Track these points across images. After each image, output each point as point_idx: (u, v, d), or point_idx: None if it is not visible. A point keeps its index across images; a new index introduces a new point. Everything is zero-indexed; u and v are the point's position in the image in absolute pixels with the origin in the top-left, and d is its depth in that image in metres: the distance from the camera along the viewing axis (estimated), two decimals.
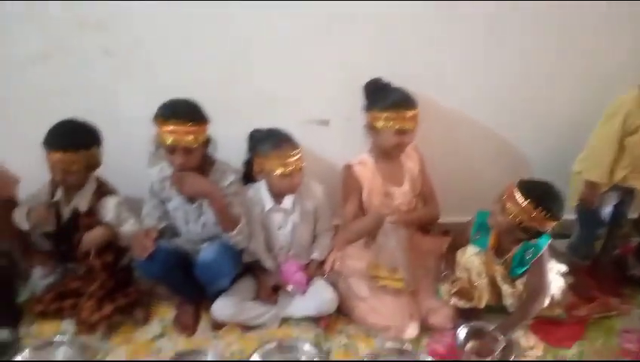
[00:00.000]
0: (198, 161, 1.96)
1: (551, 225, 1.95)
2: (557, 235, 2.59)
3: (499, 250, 2.09)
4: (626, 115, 2.01)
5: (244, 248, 2.09)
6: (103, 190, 2.16)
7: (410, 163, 2.28)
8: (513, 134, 2.48)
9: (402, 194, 2.25)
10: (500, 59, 2.29)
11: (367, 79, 2.17)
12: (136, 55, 2.17)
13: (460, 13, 2.17)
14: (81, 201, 2.11)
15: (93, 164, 2.10)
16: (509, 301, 2.08)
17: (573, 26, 2.23)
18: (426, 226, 2.40)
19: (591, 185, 2.15)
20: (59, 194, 2.12)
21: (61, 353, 2.00)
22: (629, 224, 2.54)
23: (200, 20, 2.12)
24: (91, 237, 2.06)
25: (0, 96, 2.21)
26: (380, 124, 2.09)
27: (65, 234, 2.14)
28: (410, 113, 2.07)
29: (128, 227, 2.13)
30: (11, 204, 2.18)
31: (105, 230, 2.09)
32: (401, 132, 2.09)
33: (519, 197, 1.92)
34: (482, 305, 2.07)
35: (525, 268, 2.04)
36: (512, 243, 2.06)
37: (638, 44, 2.26)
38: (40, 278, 2.25)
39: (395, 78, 2.18)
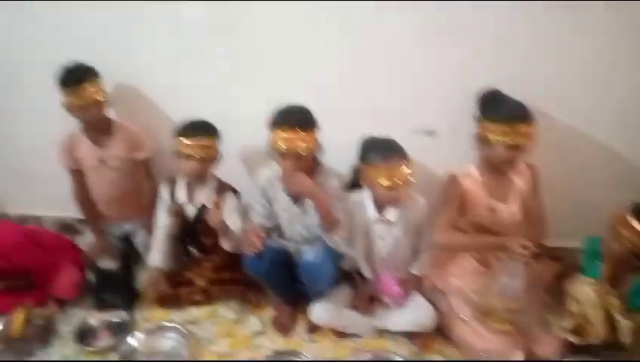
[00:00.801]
0: (307, 166, 2.01)
1: None
2: None
3: (614, 280, 1.93)
4: None
5: (343, 254, 2.11)
6: (223, 187, 2.31)
7: (520, 180, 2.14)
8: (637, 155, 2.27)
9: (509, 213, 2.12)
10: (625, 71, 2.10)
11: (478, 90, 2.08)
12: (257, 61, 2.26)
13: (585, 24, 2.03)
14: (205, 197, 2.27)
15: (216, 155, 2.25)
16: (626, 337, 1.89)
17: None
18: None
19: None
20: (183, 195, 2.29)
21: (169, 338, 2.15)
22: None
23: (315, 31, 2.17)
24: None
25: (130, 95, 2.41)
26: (491, 136, 1.98)
27: (191, 231, 2.33)
28: (525, 128, 1.93)
29: (236, 227, 2.24)
30: (146, 165, 2.49)
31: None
32: (513, 147, 1.95)
33: (635, 222, 1.76)
34: (598, 341, 1.91)
35: None
36: (628, 273, 1.89)
37: None
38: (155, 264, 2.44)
39: (510, 90, 2.06)
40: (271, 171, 2.17)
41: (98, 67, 2.27)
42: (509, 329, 1.95)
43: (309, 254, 2.04)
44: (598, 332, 1.90)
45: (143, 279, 2.48)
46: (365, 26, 2.13)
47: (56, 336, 2.18)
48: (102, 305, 2.30)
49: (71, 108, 2.27)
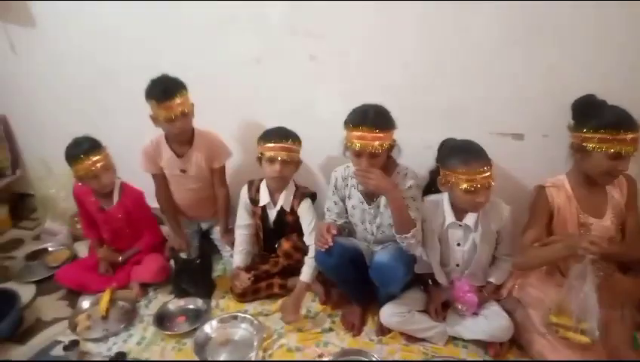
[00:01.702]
0: (381, 165, 1.99)
1: None
2: None
3: None
4: None
5: (418, 257, 2.07)
6: (301, 191, 2.37)
7: (616, 193, 1.98)
8: None
9: (602, 228, 1.96)
10: None
11: (572, 95, 1.94)
12: (336, 62, 2.28)
13: None
14: (286, 202, 2.35)
15: (298, 159, 2.30)
16: None
17: None
18: (628, 264, 2.09)
19: None
20: (265, 197, 2.37)
21: (241, 328, 2.22)
22: None
23: (398, 31, 2.15)
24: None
25: (216, 94, 2.48)
26: (591, 145, 1.83)
27: (271, 232, 2.43)
28: (629, 135, 1.78)
29: (309, 229, 2.31)
30: (222, 172, 2.59)
31: None
32: (616, 156, 1.81)
33: None
34: None
35: None
36: None
37: None
38: (229, 257, 2.55)
39: (606, 95, 1.92)
40: (345, 169, 2.19)
41: (185, 67, 2.35)
42: (587, 342, 1.80)
43: (382, 255, 2.01)
44: None
45: (218, 270, 2.60)
46: (449, 25, 2.08)
47: (138, 319, 2.31)
48: (181, 293, 2.41)
49: (159, 121, 2.33)
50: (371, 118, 1.91)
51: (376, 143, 1.90)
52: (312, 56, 2.29)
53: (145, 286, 2.48)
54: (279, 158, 2.20)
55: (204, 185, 2.57)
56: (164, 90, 2.26)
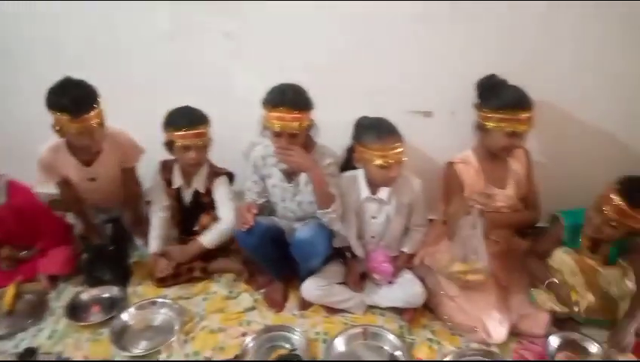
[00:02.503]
0: (300, 144, 2.03)
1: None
2: None
3: (593, 249, 2.02)
4: None
5: (336, 231, 2.13)
6: (214, 171, 2.35)
7: (516, 165, 2.19)
8: (630, 139, 2.31)
9: (505, 197, 2.17)
10: (613, 57, 2.15)
11: (476, 75, 2.10)
12: (253, 40, 2.27)
13: (575, 12, 2.06)
14: (200, 183, 2.33)
15: (209, 141, 2.27)
16: (611, 285, 1.98)
17: None
18: (524, 229, 2.31)
19: None
20: (178, 180, 2.32)
21: (161, 313, 2.17)
22: None
23: (312, 13, 2.18)
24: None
25: (127, 71, 2.40)
26: (491, 124, 2.01)
27: (188, 214, 2.39)
28: (524, 115, 1.97)
29: (226, 211, 2.30)
30: (134, 172, 2.46)
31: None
32: (513, 134, 2.00)
33: (616, 199, 1.84)
34: (582, 309, 1.97)
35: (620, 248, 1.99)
36: (609, 243, 1.99)
37: None
38: (144, 244, 2.47)
39: (509, 77, 2.09)
40: (264, 148, 2.20)
41: (93, 43, 2.24)
42: (482, 280, 2.00)
43: (302, 231, 2.06)
44: (580, 300, 1.96)
45: (134, 256, 2.52)
46: (368, 7, 2.13)
47: (48, 312, 2.19)
48: (94, 282, 2.31)
49: (64, 134, 2.11)
50: (290, 98, 1.94)
51: (295, 124, 1.93)
52: (227, 34, 2.26)
53: (54, 278, 2.34)
54: (192, 145, 2.17)
55: (115, 186, 2.44)
56: (77, 103, 2.02)
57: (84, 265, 2.35)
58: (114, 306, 2.20)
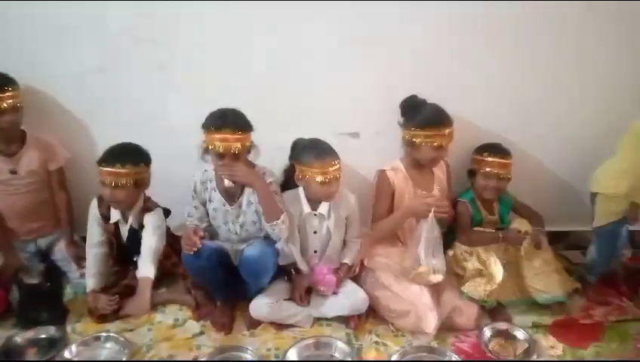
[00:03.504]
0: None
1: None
2: (572, 246, 2.77)
3: (490, 212, 2.48)
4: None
5: (280, 249, 2.22)
6: (147, 205, 2.33)
7: (439, 172, 2.43)
8: (537, 149, 2.63)
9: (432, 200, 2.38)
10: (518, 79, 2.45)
11: (398, 96, 2.31)
12: (186, 70, 2.33)
13: (489, 38, 2.35)
14: (134, 219, 2.31)
15: (141, 181, 2.25)
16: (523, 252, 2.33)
17: (588, 40, 2.38)
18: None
19: (636, 206, 2.28)
20: (116, 215, 2.29)
21: (107, 348, 2.11)
22: None
23: (244, 39, 2.28)
24: None
25: (57, 106, 2.37)
26: (419, 140, 2.22)
27: (126, 249, 2.36)
28: (448, 130, 2.22)
29: (149, 232, 2.28)
30: (61, 174, 2.44)
31: None
32: (439, 148, 2.23)
33: (491, 158, 2.34)
34: (498, 279, 2.24)
35: (509, 207, 2.50)
36: (494, 201, 2.47)
37: None
38: (79, 277, 2.40)
39: (425, 94, 2.32)
40: (203, 174, 2.25)
41: (18, 78, 2.22)
42: (440, 279, 2.21)
43: (251, 249, 2.13)
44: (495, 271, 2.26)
45: (67, 294, 2.41)
46: (293, 34, 2.28)
47: None
48: (27, 323, 2.19)
49: None
50: (232, 120, 2.03)
51: (238, 144, 2.03)
52: (161, 65, 2.31)
53: None
54: (111, 184, 2.14)
55: (39, 187, 2.38)
56: None
57: (17, 305, 2.23)
58: (52, 347, 2.09)
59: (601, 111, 2.36)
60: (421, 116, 2.24)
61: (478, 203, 2.46)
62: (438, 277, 2.19)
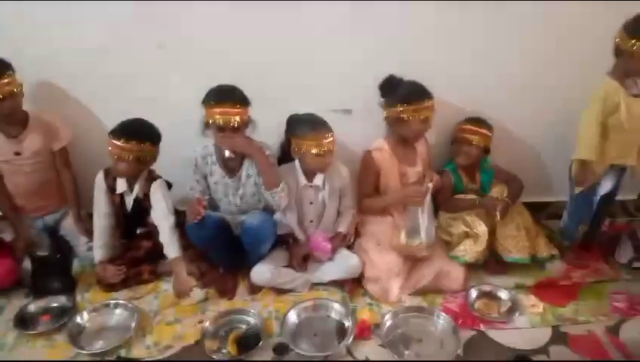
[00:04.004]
0: None
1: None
2: (553, 216, 2.92)
3: (472, 180, 2.64)
4: (604, 98, 2.23)
5: (278, 220, 2.36)
6: (151, 176, 2.42)
7: (420, 147, 2.57)
8: (517, 126, 2.77)
9: (416, 173, 2.53)
10: (499, 53, 2.56)
11: (388, 73, 2.41)
12: (186, 49, 2.41)
13: (469, 18, 2.45)
14: (139, 189, 2.40)
15: (149, 158, 2.34)
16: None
17: (563, 21, 2.49)
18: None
19: (582, 164, 2.35)
20: (123, 185, 2.38)
21: (116, 314, 2.24)
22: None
23: (241, 20, 2.37)
24: None
25: (60, 84, 2.47)
26: (406, 115, 2.33)
27: (130, 220, 2.46)
28: (431, 102, 2.35)
29: (162, 210, 2.35)
30: (65, 153, 2.52)
31: None
32: (425, 120, 2.36)
33: (471, 126, 2.52)
34: (485, 238, 2.41)
35: (491, 176, 2.64)
36: (475, 168, 2.63)
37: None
38: (86, 250, 2.51)
39: (409, 72, 2.42)
40: (203, 149, 2.37)
41: (21, 57, 2.29)
42: (426, 254, 2.38)
43: (251, 218, 2.25)
44: (481, 231, 2.41)
45: (75, 267, 2.53)
46: (291, 14, 2.36)
47: None
48: (40, 293, 2.31)
49: None
50: (231, 94, 2.15)
51: (238, 118, 2.14)
52: (160, 45, 2.39)
53: None
54: (123, 158, 2.22)
55: (43, 167, 2.46)
56: None
57: (29, 276, 2.35)
58: (64, 315, 2.22)
59: (580, 87, 2.47)
60: (405, 91, 2.35)
61: (461, 172, 2.63)
62: (425, 252, 2.37)
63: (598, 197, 2.48)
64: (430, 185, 2.33)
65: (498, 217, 2.40)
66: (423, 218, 2.31)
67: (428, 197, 2.30)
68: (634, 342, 2.11)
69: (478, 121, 2.56)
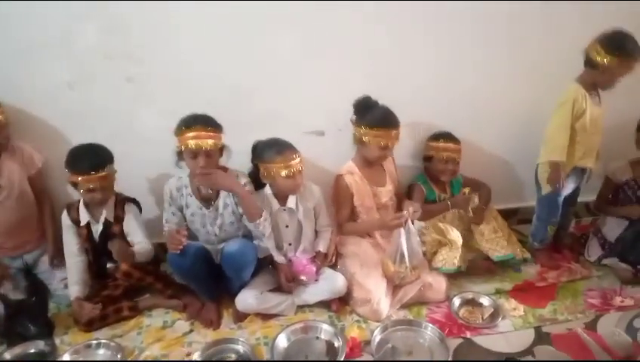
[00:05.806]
0: (216, 166, 2.22)
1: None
2: (523, 221, 3.03)
3: (444, 191, 2.79)
4: (573, 102, 2.34)
5: (257, 244, 2.34)
6: (121, 198, 2.39)
7: (388, 165, 2.65)
8: (483, 139, 2.89)
9: (387, 192, 2.59)
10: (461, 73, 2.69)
11: (357, 95, 2.45)
12: (155, 81, 2.41)
13: (430, 37, 2.57)
14: (109, 213, 2.35)
15: (113, 179, 2.31)
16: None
17: (521, 37, 2.65)
18: None
19: (554, 166, 2.44)
20: (85, 216, 2.34)
21: (99, 354, 2.17)
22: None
23: (209, 49, 2.38)
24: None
25: (29, 120, 2.42)
26: (367, 138, 2.40)
27: (99, 250, 2.38)
28: (394, 131, 2.41)
29: (140, 235, 2.35)
30: (40, 177, 2.48)
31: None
32: (385, 147, 2.42)
33: (441, 143, 2.65)
34: (459, 243, 2.49)
35: (459, 185, 2.80)
36: (449, 183, 2.79)
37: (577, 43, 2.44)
38: (62, 287, 2.43)
39: (380, 95, 2.48)
40: (177, 180, 2.35)
41: None
42: (417, 278, 2.40)
43: (231, 246, 2.24)
44: (454, 236, 2.49)
45: (51, 308, 2.44)
46: (258, 42, 2.40)
47: None
48: (15, 339, 2.21)
49: None
50: (203, 118, 2.15)
51: (211, 141, 2.13)
52: (129, 78, 2.38)
53: None
54: (96, 188, 2.21)
55: (22, 201, 2.40)
56: None
57: (3, 322, 2.24)
58: (43, 360, 2.14)
59: (540, 100, 2.59)
60: (372, 116, 2.41)
61: (431, 183, 2.76)
62: (414, 276, 2.39)
63: (562, 198, 2.59)
64: (406, 213, 2.31)
65: (471, 213, 2.55)
66: (409, 242, 2.32)
67: (409, 224, 2.32)
68: (612, 335, 2.19)
69: (450, 137, 2.66)
